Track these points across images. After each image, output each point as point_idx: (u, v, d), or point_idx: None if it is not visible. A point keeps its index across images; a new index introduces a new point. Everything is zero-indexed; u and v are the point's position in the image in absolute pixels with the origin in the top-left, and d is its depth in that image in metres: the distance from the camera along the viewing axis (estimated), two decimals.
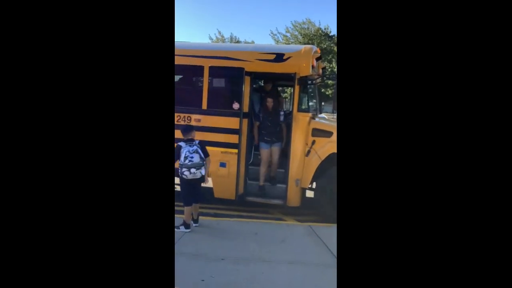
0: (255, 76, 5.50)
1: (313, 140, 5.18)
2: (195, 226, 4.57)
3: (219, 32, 28.67)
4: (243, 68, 5.26)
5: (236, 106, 5.31)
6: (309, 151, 5.19)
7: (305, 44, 19.14)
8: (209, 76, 5.43)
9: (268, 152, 5.40)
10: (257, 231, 4.58)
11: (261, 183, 5.48)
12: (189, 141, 4.39)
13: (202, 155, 4.35)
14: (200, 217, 4.72)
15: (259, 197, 5.49)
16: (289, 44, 21.62)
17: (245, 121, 5.36)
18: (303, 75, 5.20)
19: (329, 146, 5.05)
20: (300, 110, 5.33)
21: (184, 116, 5.40)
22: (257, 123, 5.47)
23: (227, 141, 5.32)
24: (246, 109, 5.34)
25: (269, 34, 24.54)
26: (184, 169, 4.27)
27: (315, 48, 5.66)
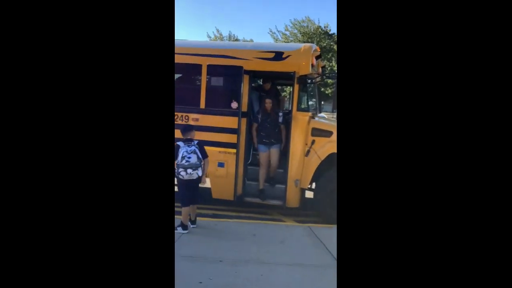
0: (254, 75, 5.46)
1: (312, 139, 5.13)
2: (193, 227, 4.52)
3: (218, 30, 28.67)
4: (241, 67, 5.21)
5: (234, 105, 5.26)
6: (308, 151, 5.15)
7: (304, 42, 19.12)
8: (207, 74, 5.39)
9: (267, 154, 5.34)
10: (255, 232, 4.53)
11: (261, 186, 5.44)
12: (188, 141, 4.34)
13: (200, 156, 4.30)
14: (198, 218, 4.68)
15: (258, 198, 5.44)
16: (288, 42, 21.59)
17: (244, 121, 5.32)
18: (303, 73, 5.16)
19: (329, 146, 5.01)
20: (299, 109, 5.29)
21: (182, 116, 5.36)
22: (256, 125, 5.41)
23: (225, 140, 5.27)
24: (244, 108, 5.30)
25: (268, 32, 24.69)
26: (180, 169, 4.22)
27: (314, 46, 5.62)
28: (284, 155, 5.33)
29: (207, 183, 4.88)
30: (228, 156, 5.28)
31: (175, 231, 4.26)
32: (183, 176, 4.23)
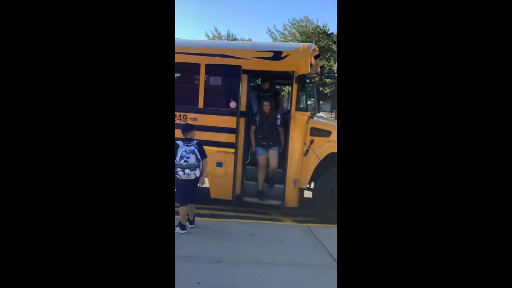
0: (253, 74, 5.44)
1: (311, 139, 5.12)
2: (191, 227, 4.50)
3: (216, 30, 28.58)
4: (240, 66, 5.20)
5: (233, 104, 5.24)
6: (307, 151, 5.14)
7: (303, 42, 19.11)
8: (206, 74, 5.37)
9: (265, 157, 5.32)
10: (254, 232, 4.52)
11: (260, 188, 5.42)
12: (187, 141, 4.32)
13: (199, 156, 4.28)
14: (196, 218, 4.66)
15: (257, 198, 5.42)
16: (287, 42, 21.58)
17: (242, 120, 5.30)
18: (301, 73, 5.15)
19: (327, 145, 5.00)
20: (298, 109, 5.28)
21: (180, 115, 5.33)
22: (253, 128, 5.37)
23: (223, 140, 5.26)
24: (243, 107, 5.28)
25: (267, 32, 24.64)
26: (178, 169, 4.20)
27: (313, 46, 5.60)
28: (283, 155, 5.32)
29: (206, 183, 4.86)
30: (227, 156, 5.27)
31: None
32: (180, 176, 4.21)
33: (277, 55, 5.17)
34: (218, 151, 5.23)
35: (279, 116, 5.34)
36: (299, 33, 22.54)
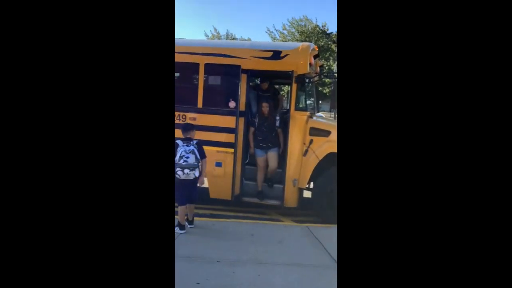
0: (252, 74, 5.43)
1: (310, 139, 5.12)
2: (190, 227, 4.49)
3: (215, 29, 28.60)
4: (239, 66, 5.19)
5: (232, 104, 5.24)
6: (306, 151, 5.13)
7: (302, 41, 19.11)
8: (205, 73, 5.36)
9: (264, 158, 5.31)
10: (253, 232, 4.51)
11: (259, 188, 5.41)
12: (187, 140, 4.31)
13: (198, 156, 4.27)
14: (196, 218, 4.66)
15: (256, 198, 5.42)
16: (286, 41, 21.57)
17: (242, 120, 5.29)
18: (301, 73, 5.14)
19: (327, 145, 4.99)
20: (297, 108, 5.27)
21: (179, 115, 5.32)
22: (252, 129, 5.35)
23: (223, 140, 5.25)
24: (242, 107, 5.27)
25: (266, 32, 24.63)
26: (177, 169, 4.19)
27: (312, 45, 5.60)
28: (282, 156, 5.31)
29: (205, 183, 4.85)
30: (226, 156, 5.26)
31: None
32: (179, 175, 4.20)
33: (276, 55, 5.17)
34: (217, 151, 5.22)
35: (278, 117, 5.32)
36: (298, 32, 22.56)
